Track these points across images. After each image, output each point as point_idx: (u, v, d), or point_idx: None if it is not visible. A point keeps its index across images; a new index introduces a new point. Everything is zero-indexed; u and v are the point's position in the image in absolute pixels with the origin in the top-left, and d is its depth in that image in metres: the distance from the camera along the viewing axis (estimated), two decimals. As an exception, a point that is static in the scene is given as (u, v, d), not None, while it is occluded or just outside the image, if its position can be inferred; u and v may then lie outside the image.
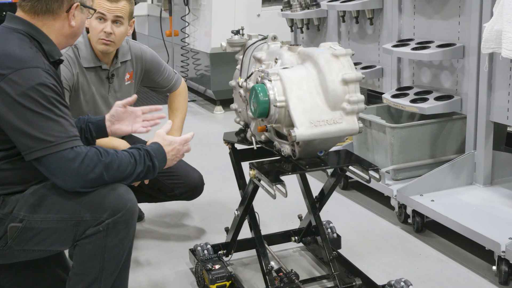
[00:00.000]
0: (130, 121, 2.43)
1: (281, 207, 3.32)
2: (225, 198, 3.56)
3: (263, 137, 2.37)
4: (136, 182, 2.88)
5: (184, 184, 2.95)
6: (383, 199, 3.34)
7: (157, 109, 2.50)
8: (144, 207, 3.33)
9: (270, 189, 2.04)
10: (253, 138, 2.38)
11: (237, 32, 2.59)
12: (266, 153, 2.43)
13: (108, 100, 2.92)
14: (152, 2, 7.26)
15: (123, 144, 2.81)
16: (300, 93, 2.03)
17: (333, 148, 2.22)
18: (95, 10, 2.11)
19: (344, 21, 4.14)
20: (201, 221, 3.31)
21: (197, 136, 5.13)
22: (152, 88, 3.17)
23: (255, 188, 2.32)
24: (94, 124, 2.37)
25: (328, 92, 2.03)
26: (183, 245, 3.00)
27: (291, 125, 2.03)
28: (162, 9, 6.56)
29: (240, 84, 2.42)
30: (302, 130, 1.99)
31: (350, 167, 2.23)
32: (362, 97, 2.04)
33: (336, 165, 2.23)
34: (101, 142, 2.72)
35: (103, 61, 2.86)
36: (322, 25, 4.47)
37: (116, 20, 2.76)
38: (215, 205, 3.49)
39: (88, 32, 2.84)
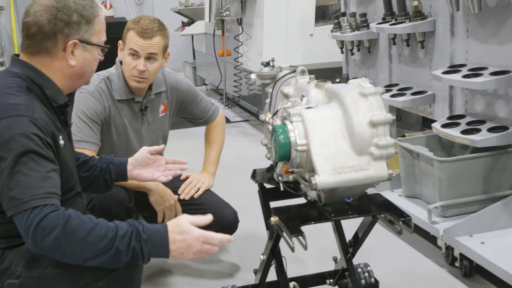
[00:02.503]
0: (152, 168, 2.30)
1: (321, 244, 3.14)
2: (264, 231, 3.40)
3: (291, 178, 2.21)
4: (162, 219, 2.78)
5: (217, 223, 2.79)
6: (430, 237, 3.11)
7: (181, 163, 2.35)
8: (180, 239, 3.23)
9: (289, 241, 1.88)
10: (279, 178, 2.23)
11: (267, 64, 2.46)
12: (296, 194, 2.27)
13: (141, 133, 2.84)
14: (209, 21, 7.23)
15: (155, 185, 2.72)
16: (323, 137, 1.87)
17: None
18: (107, 47, 1.96)
19: (394, 43, 3.94)
20: (236, 256, 3.18)
21: (245, 159, 5.09)
22: (189, 119, 3.08)
23: (279, 235, 2.17)
24: (115, 166, 2.27)
25: (354, 136, 1.86)
26: (214, 283, 2.88)
27: (314, 170, 1.87)
28: (216, 28, 6.51)
29: (267, 120, 2.29)
30: (324, 177, 1.82)
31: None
32: (392, 141, 1.86)
33: (366, 213, 2.04)
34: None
35: (136, 93, 2.78)
36: (373, 47, 4.28)
37: (150, 57, 2.66)
38: (254, 238, 3.34)
39: (121, 63, 2.77)
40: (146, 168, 2.29)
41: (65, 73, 1.88)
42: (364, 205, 2.04)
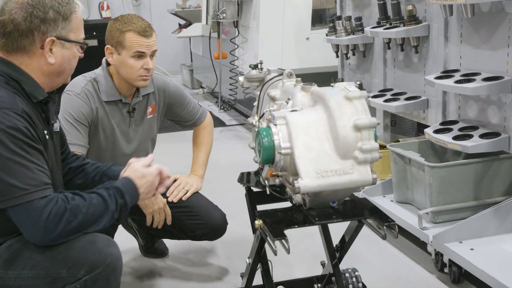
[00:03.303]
0: None
1: (311, 248, 3.11)
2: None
3: (277, 181, 2.19)
4: (151, 222, 2.75)
5: (206, 226, 2.81)
6: (420, 242, 3.08)
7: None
8: (169, 242, 3.21)
9: (272, 244, 1.86)
10: (266, 181, 2.21)
11: (255, 66, 2.44)
12: (281, 197, 2.25)
13: (129, 135, 2.82)
14: (206, 23, 7.22)
15: None
16: (307, 140, 1.85)
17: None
18: (85, 44, 1.95)
19: (389, 48, 3.92)
20: (225, 259, 3.16)
21: (239, 163, 5.06)
22: (176, 122, 3.06)
23: (263, 238, 2.14)
24: (109, 178, 2.20)
25: (338, 139, 1.84)
26: (203, 286, 2.86)
27: (297, 173, 1.85)
28: (212, 30, 6.50)
29: (254, 123, 2.27)
30: (307, 181, 1.80)
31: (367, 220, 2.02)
32: (376, 145, 1.84)
33: (350, 217, 2.03)
34: None
35: (124, 95, 2.76)
36: (368, 51, 4.26)
37: (152, 54, 2.69)
38: (243, 242, 3.31)
39: (108, 64, 2.75)
40: None
41: (44, 70, 1.87)
42: (349, 209, 2.02)
